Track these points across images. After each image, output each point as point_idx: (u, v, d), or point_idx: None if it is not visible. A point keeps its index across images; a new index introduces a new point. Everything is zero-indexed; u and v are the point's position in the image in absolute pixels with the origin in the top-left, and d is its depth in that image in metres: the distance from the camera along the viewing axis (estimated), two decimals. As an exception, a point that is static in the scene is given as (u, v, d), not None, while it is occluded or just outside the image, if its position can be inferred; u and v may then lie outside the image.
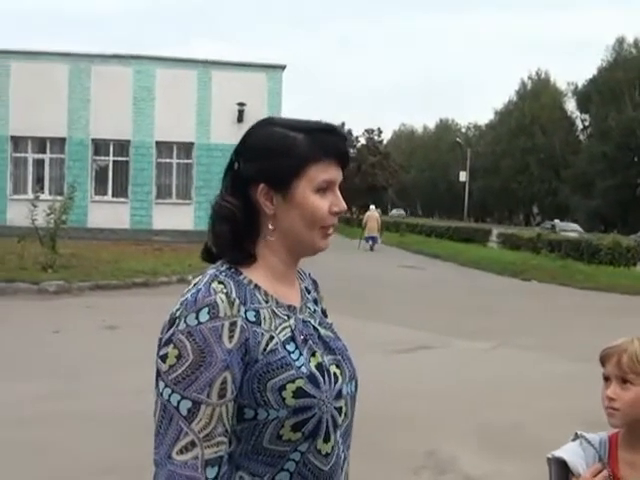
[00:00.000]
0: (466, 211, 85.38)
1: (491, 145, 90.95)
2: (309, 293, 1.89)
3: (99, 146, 30.61)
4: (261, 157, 1.69)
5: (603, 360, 2.18)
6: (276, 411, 1.58)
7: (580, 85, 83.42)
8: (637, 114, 67.05)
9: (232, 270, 1.69)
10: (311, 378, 1.63)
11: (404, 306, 14.75)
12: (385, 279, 19.94)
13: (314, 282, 1.97)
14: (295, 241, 1.73)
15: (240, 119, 30.06)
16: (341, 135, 1.76)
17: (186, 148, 31.02)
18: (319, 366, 1.67)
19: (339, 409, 1.69)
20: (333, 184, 1.73)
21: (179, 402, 1.52)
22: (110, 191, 30.69)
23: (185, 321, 1.54)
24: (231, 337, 1.56)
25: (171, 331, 1.56)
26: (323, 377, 1.66)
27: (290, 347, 1.65)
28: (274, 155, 1.68)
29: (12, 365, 8.64)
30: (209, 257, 1.79)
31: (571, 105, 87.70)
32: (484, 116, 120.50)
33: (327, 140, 1.71)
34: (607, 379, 2.16)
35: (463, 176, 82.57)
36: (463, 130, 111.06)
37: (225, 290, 1.60)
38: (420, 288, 18.54)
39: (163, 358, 1.55)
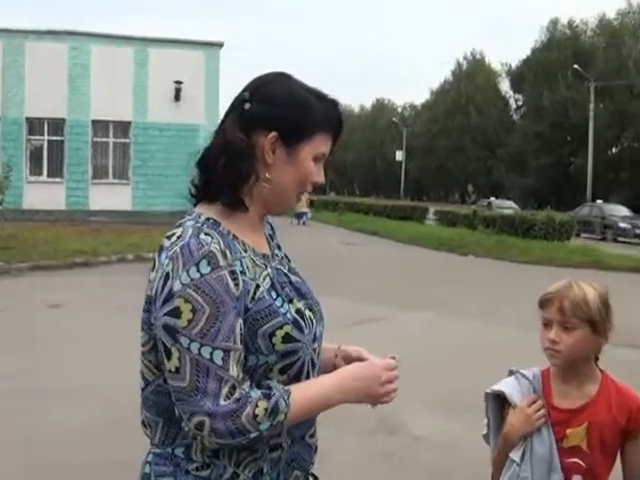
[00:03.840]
0: (403, 190, 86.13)
1: (427, 125, 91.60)
2: (272, 240, 1.93)
3: (33, 125, 29.89)
4: (281, 107, 1.71)
5: (543, 304, 2.33)
6: (265, 357, 1.65)
7: (514, 66, 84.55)
8: (570, 94, 68.23)
9: (211, 221, 1.70)
10: (296, 323, 1.69)
11: (350, 281, 14.92)
12: (329, 256, 20.10)
13: (271, 226, 1.99)
14: (279, 195, 1.77)
15: (177, 97, 29.79)
16: (341, 112, 1.81)
17: (123, 127, 30.55)
18: (298, 311, 1.73)
19: (315, 350, 1.77)
20: (323, 157, 1.80)
21: (211, 353, 1.54)
22: (45, 171, 30.05)
23: (188, 274, 1.55)
24: (236, 285, 1.60)
25: (171, 285, 1.56)
26: (304, 321, 1.73)
27: (273, 295, 1.70)
28: (294, 109, 1.71)
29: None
30: (192, 197, 1.82)
31: (505, 85, 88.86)
32: (420, 96, 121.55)
33: (333, 113, 1.78)
34: (547, 323, 2.31)
35: (399, 155, 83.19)
36: (399, 110, 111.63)
37: (214, 241, 1.62)
38: (362, 264, 18.76)
39: (175, 313, 1.54)
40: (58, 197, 29.43)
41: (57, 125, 29.92)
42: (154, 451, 1.73)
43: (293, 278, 1.84)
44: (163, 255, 1.63)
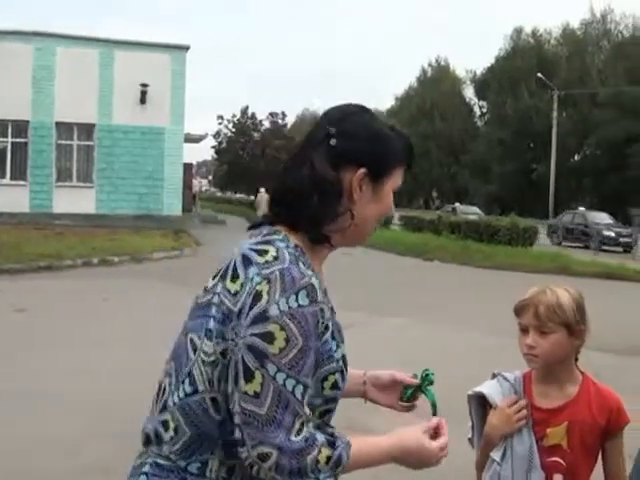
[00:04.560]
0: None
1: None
2: None
3: (-4, 127, 29.44)
4: (368, 143, 1.72)
5: (519, 312, 2.37)
6: (312, 398, 1.63)
7: (479, 73, 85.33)
8: (533, 102, 69.02)
9: (299, 250, 1.67)
10: (342, 371, 1.69)
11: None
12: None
13: None
14: (362, 231, 1.78)
15: (143, 100, 29.60)
16: (412, 145, 1.87)
17: (87, 129, 30.21)
18: (343, 358, 1.72)
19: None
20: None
21: (294, 387, 1.53)
22: (8, 174, 29.59)
23: (287, 302, 1.53)
24: (322, 324, 1.61)
25: (265, 308, 1.53)
26: (346, 369, 1.73)
27: (331, 337, 1.69)
28: (381, 146, 1.74)
29: None
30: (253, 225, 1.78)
31: (470, 92, 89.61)
32: (385, 102, 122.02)
33: (407, 147, 1.83)
34: (524, 329, 2.35)
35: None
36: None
37: (313, 275, 1.61)
38: (327, 269, 18.73)
39: (267, 338, 1.52)
40: (22, 200, 28.98)
41: (20, 127, 29.48)
42: (156, 461, 1.67)
43: (335, 316, 1.80)
44: (253, 270, 1.58)
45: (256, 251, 1.62)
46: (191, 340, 1.66)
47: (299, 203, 1.67)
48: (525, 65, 71.37)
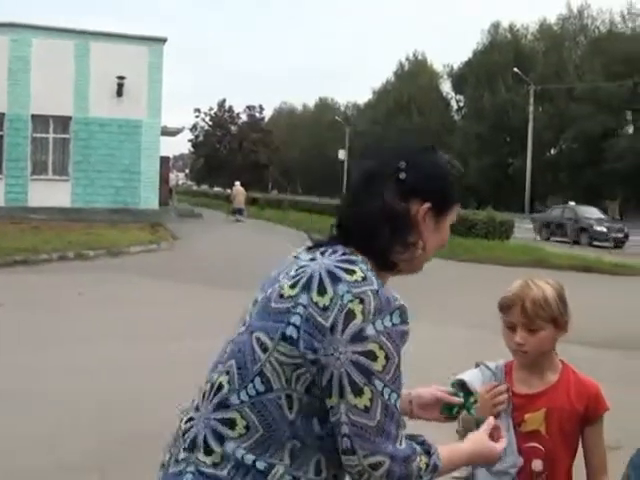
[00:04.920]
0: (345, 189, 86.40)
1: (370, 124, 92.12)
2: None
3: (-28, 120, 29.10)
4: (435, 180, 1.86)
5: (505, 309, 2.39)
6: None
7: (456, 67, 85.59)
8: (510, 96, 69.40)
9: (374, 273, 1.75)
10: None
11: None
12: (278, 254, 19.95)
13: None
14: (422, 260, 1.90)
15: (120, 93, 29.42)
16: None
17: (63, 122, 29.99)
18: None
19: None
20: None
21: (396, 400, 1.67)
22: (-17, 167, 29.30)
23: (383, 322, 1.65)
24: (405, 342, 1.73)
25: (362, 327, 1.63)
26: None
27: None
28: (446, 184, 1.89)
29: None
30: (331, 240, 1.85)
31: (447, 86, 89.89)
32: (363, 95, 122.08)
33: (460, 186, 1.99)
34: (511, 326, 2.37)
35: (342, 154, 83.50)
36: (342, 109, 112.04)
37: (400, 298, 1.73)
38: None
39: (370, 357, 1.64)
40: (-4, 193, 28.76)
41: (-4, 119, 29.17)
42: (200, 469, 1.71)
43: None
44: (342, 287, 1.67)
45: (343, 269, 1.70)
46: (258, 339, 1.73)
47: (371, 233, 1.79)
48: (502, 60, 71.71)
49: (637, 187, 60.88)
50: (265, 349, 1.71)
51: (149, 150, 30.39)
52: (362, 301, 1.65)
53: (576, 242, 30.46)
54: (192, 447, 1.73)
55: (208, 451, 1.71)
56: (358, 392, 1.63)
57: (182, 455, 1.74)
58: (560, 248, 25.53)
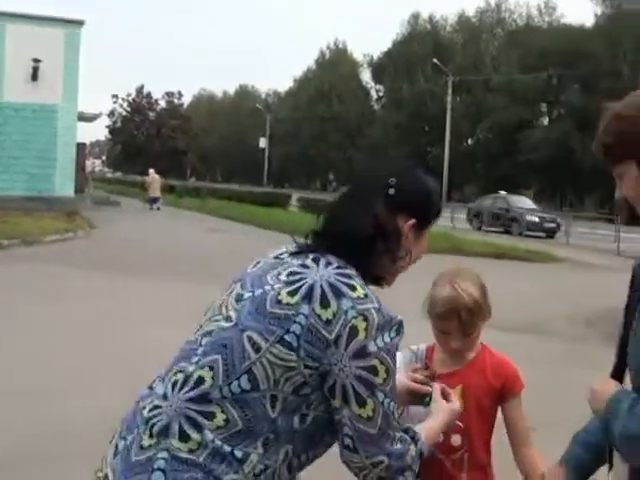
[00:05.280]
0: (265, 177, 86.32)
1: (290, 112, 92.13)
2: None
3: None
4: (422, 198, 1.97)
5: (439, 318, 2.42)
6: None
7: (376, 57, 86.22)
8: (429, 86, 70.35)
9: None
10: None
11: (220, 267, 14.86)
12: (197, 242, 19.88)
13: None
14: (399, 270, 2.00)
15: (35, 77, 28.60)
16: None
17: (-24, 106, 29.00)
18: None
19: None
20: None
21: (394, 407, 1.82)
22: None
23: (383, 339, 1.76)
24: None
25: (365, 344, 1.73)
26: None
27: None
28: (431, 202, 2.01)
29: None
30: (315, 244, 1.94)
31: (367, 76, 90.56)
32: (284, 83, 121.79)
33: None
34: (446, 332, 2.43)
35: (263, 142, 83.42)
36: (263, 96, 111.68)
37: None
38: (228, 251, 18.64)
39: (373, 371, 1.76)
40: None
41: None
42: (175, 454, 1.70)
43: None
44: (346, 303, 1.74)
45: (345, 284, 1.78)
46: (250, 338, 1.76)
47: (363, 247, 1.88)
48: (421, 50, 72.61)
49: (551, 177, 62.60)
50: (258, 349, 1.74)
51: (65, 136, 29.67)
52: (366, 319, 1.74)
53: (508, 232, 30.49)
54: (164, 434, 1.71)
55: (184, 438, 1.70)
56: (362, 403, 1.77)
57: (148, 441, 1.72)
58: (480, 236, 25.96)
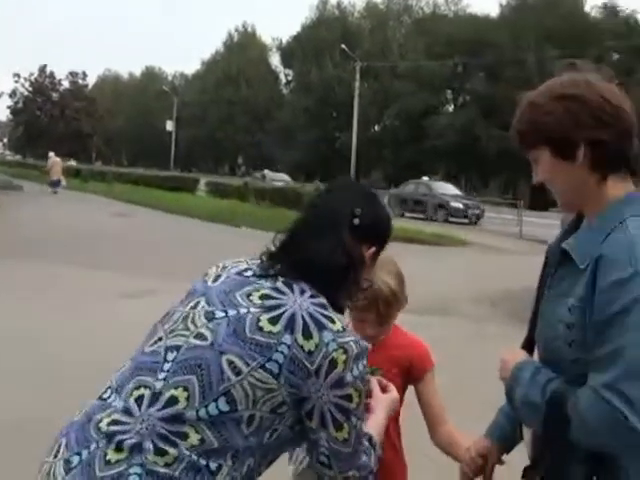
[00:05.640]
0: (172, 160, 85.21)
1: (198, 95, 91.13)
2: None
3: None
4: (382, 228, 2.07)
5: (357, 307, 2.39)
6: None
7: (284, 41, 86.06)
8: (337, 72, 70.67)
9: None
10: None
11: (126, 253, 14.63)
12: (99, 228, 19.45)
13: None
14: (356, 292, 2.04)
15: None
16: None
17: None
18: None
19: None
20: None
21: (362, 425, 1.95)
22: None
23: (357, 368, 1.83)
24: None
25: (343, 375, 1.81)
26: None
27: None
28: (388, 231, 2.09)
29: None
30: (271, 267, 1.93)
31: (276, 60, 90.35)
32: (191, 66, 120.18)
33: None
34: (363, 320, 2.46)
35: (170, 125, 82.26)
36: (170, 79, 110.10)
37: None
38: (133, 236, 18.38)
39: (348, 399, 1.84)
40: None
41: None
42: (149, 468, 1.66)
43: None
44: (327, 335, 1.79)
45: (324, 316, 1.82)
46: (230, 362, 1.75)
47: (335, 276, 1.90)
48: (330, 36, 72.87)
49: (457, 163, 63.89)
50: (238, 373, 1.75)
51: (-37, 115, 28.62)
52: (345, 351, 1.80)
53: (433, 219, 30.02)
54: (137, 450, 1.67)
55: (160, 452, 1.67)
56: (339, 427, 1.86)
57: (116, 456, 1.67)
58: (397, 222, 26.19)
